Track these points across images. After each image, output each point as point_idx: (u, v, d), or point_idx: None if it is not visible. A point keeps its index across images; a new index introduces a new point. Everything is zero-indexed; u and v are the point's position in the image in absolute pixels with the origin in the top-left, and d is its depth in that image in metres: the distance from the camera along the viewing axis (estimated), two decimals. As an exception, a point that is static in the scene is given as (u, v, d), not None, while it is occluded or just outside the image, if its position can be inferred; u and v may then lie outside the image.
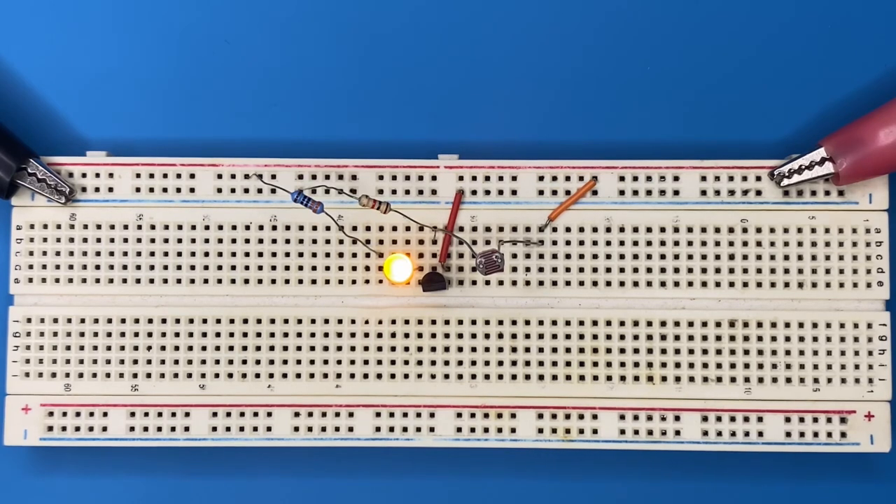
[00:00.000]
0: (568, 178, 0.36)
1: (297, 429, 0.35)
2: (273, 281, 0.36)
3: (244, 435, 0.35)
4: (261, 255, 0.36)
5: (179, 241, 0.36)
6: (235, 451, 0.36)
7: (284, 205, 0.36)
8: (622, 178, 0.36)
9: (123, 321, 0.35)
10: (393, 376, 0.35)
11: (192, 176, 0.36)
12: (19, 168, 0.35)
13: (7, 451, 0.36)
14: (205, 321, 0.35)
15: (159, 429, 0.35)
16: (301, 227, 0.36)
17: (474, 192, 0.36)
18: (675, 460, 0.37)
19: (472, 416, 0.35)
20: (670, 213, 0.36)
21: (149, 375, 0.35)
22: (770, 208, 0.36)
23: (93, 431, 0.35)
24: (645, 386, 0.35)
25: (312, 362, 0.35)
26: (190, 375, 0.35)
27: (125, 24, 0.38)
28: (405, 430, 0.35)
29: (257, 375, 0.35)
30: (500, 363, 0.35)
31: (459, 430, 0.35)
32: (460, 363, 0.35)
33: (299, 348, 0.35)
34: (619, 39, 0.37)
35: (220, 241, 0.36)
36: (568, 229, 0.36)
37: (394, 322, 0.35)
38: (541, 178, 0.36)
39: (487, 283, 0.35)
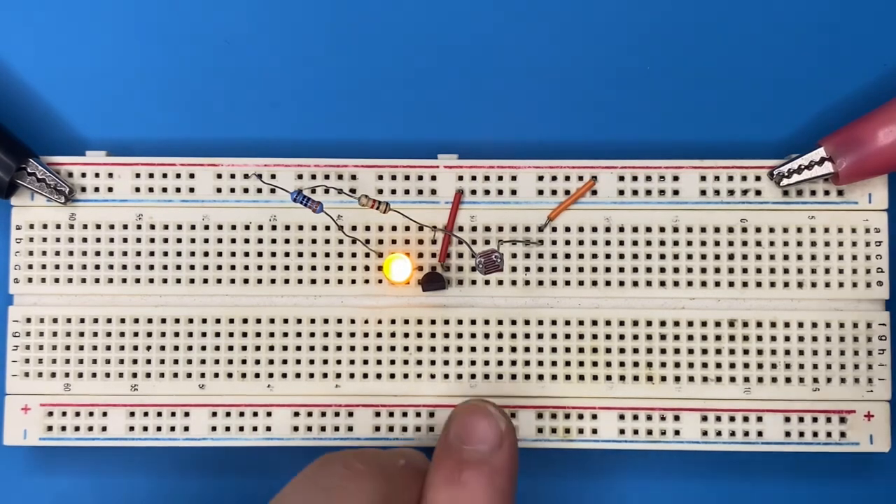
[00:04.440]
0: (568, 178, 0.36)
1: (296, 428, 0.35)
2: (273, 281, 0.36)
3: (244, 435, 0.35)
4: (260, 254, 0.36)
5: (179, 240, 0.36)
6: (235, 451, 0.36)
7: (284, 205, 0.36)
8: (622, 178, 0.36)
9: (123, 321, 0.35)
10: (393, 376, 0.35)
11: (192, 176, 0.36)
12: (19, 168, 0.35)
13: (7, 451, 0.36)
14: (204, 321, 0.35)
15: (159, 428, 0.35)
16: (301, 227, 0.36)
17: (474, 192, 0.36)
18: (675, 460, 0.37)
19: (472, 415, 0.35)
20: (670, 212, 0.36)
21: (148, 375, 0.35)
22: (770, 208, 0.36)
23: (92, 431, 0.35)
24: (645, 386, 0.35)
25: (312, 362, 0.35)
26: (189, 375, 0.35)
27: (125, 24, 0.38)
28: (405, 429, 0.35)
29: (257, 375, 0.35)
30: (500, 363, 0.35)
31: (459, 429, 0.35)
32: (460, 363, 0.35)
33: (299, 348, 0.35)
34: (619, 39, 0.37)
35: (220, 240, 0.36)
36: (567, 229, 0.36)
37: (393, 322, 0.35)
38: (540, 178, 0.36)
39: (487, 282, 0.35)
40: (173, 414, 0.35)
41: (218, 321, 0.35)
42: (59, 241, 0.36)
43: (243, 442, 0.35)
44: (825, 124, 0.37)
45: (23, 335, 0.35)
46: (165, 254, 0.36)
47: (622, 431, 0.35)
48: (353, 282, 0.36)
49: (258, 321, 0.35)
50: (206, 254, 0.36)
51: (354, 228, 0.36)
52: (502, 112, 0.37)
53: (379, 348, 0.35)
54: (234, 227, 0.36)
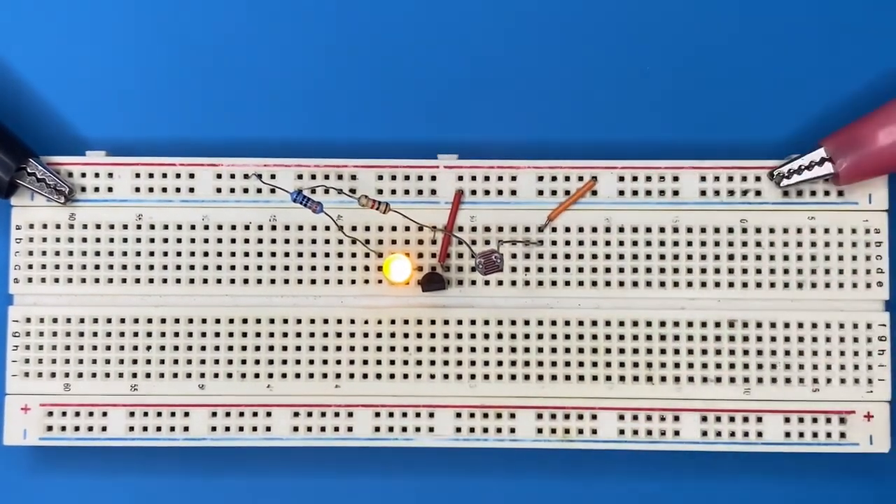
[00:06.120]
0: (567, 179, 0.36)
1: (296, 429, 0.35)
2: (273, 281, 0.36)
3: (244, 435, 0.35)
4: (260, 254, 0.36)
5: (179, 240, 0.36)
6: (235, 451, 0.36)
7: (284, 205, 0.36)
8: (622, 179, 0.36)
9: (123, 321, 0.35)
10: (392, 376, 0.35)
11: (192, 176, 0.36)
12: (19, 168, 0.35)
13: (7, 451, 0.36)
14: (204, 321, 0.35)
15: (159, 429, 0.35)
16: (300, 227, 0.36)
17: (474, 192, 0.36)
18: (675, 460, 0.37)
19: (472, 416, 0.35)
20: (670, 213, 0.36)
21: (148, 375, 0.35)
22: (770, 208, 0.35)
23: (92, 431, 0.35)
24: (644, 386, 0.35)
25: (312, 362, 0.35)
26: (189, 375, 0.35)
27: (125, 24, 0.38)
28: (404, 430, 0.35)
29: (257, 375, 0.35)
30: (500, 363, 0.35)
31: (459, 430, 0.35)
32: (460, 363, 0.35)
33: (299, 348, 0.35)
34: (619, 39, 0.37)
35: (220, 241, 0.36)
36: (567, 229, 0.36)
37: (393, 322, 0.35)
38: (540, 179, 0.36)
39: (487, 283, 0.35)
40: (173, 414, 0.35)
41: (218, 321, 0.35)
42: (58, 241, 0.36)
43: (243, 442, 0.35)
44: (825, 124, 0.37)
45: (23, 335, 0.35)
46: (165, 254, 0.36)
47: (622, 432, 0.35)
48: (353, 282, 0.36)
49: (258, 321, 0.35)
50: (205, 254, 0.36)
51: (354, 229, 0.36)
52: (502, 112, 0.37)
53: (379, 349, 0.35)
54: (234, 228, 0.36)
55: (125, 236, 0.36)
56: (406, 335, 0.35)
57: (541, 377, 0.35)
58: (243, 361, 0.35)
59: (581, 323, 0.35)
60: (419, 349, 0.35)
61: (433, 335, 0.35)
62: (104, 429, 0.35)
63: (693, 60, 0.37)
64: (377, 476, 0.37)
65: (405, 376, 0.35)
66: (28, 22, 0.38)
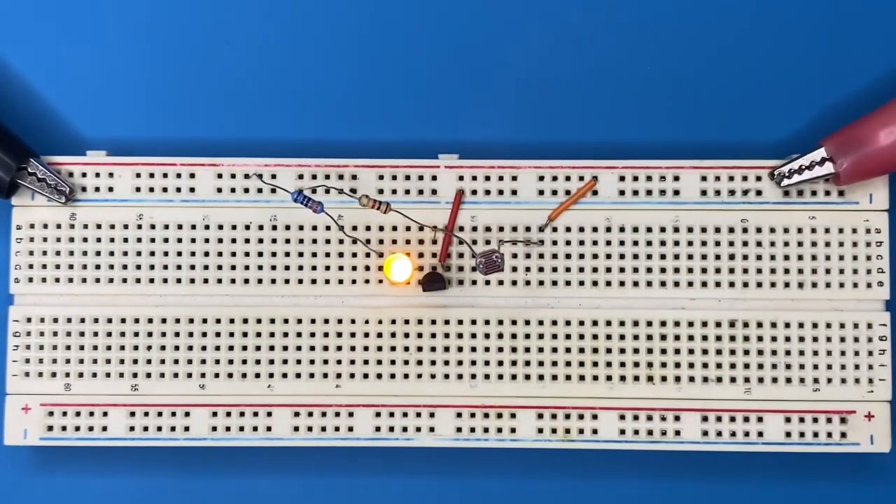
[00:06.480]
0: (568, 178, 0.36)
1: (296, 429, 0.35)
2: (273, 281, 0.36)
3: (244, 435, 0.35)
4: (261, 254, 0.36)
5: (179, 240, 0.36)
6: (235, 451, 0.36)
7: (284, 205, 0.36)
8: (622, 178, 0.36)
9: (123, 321, 0.35)
10: (393, 376, 0.35)
11: (192, 176, 0.36)
12: (19, 168, 0.35)
13: (7, 451, 0.36)
14: (205, 321, 0.35)
15: (159, 428, 0.35)
16: (301, 227, 0.36)
17: (474, 192, 0.36)
18: (675, 460, 0.37)
19: (472, 415, 0.35)
20: (670, 213, 0.36)
21: (149, 375, 0.35)
22: (770, 208, 0.36)
23: (93, 431, 0.35)
24: (645, 386, 0.35)
25: (312, 362, 0.35)
26: (190, 375, 0.35)
27: (125, 24, 0.38)
28: (405, 429, 0.35)
29: (257, 375, 0.35)
30: (500, 363, 0.35)
31: (459, 429, 0.35)
32: (460, 363, 0.35)
33: (299, 348, 0.35)
34: (619, 39, 0.37)
35: (220, 240, 0.36)
36: (568, 229, 0.36)
37: (394, 322, 0.35)
38: (541, 178, 0.36)
39: (487, 282, 0.35)
40: (174, 414, 0.35)
41: (218, 321, 0.35)
42: (59, 241, 0.36)
43: (244, 442, 0.35)
44: (825, 124, 0.37)
45: (23, 335, 0.35)
46: (166, 254, 0.36)
47: (622, 431, 0.35)
48: (354, 282, 0.36)
49: (258, 321, 0.35)
50: (206, 254, 0.36)
51: (355, 228, 0.36)
52: (502, 112, 0.37)
53: (379, 348, 0.35)
54: (234, 227, 0.36)
55: (126, 236, 0.36)
56: (406, 335, 0.35)
57: (541, 377, 0.35)
58: (244, 361, 0.35)
59: (581, 323, 0.35)
60: (420, 349, 0.35)
61: (434, 335, 0.35)
62: (104, 429, 0.35)
63: (693, 60, 0.37)
64: (377, 476, 0.37)
65: (406, 376, 0.35)
66: (28, 22, 0.38)
